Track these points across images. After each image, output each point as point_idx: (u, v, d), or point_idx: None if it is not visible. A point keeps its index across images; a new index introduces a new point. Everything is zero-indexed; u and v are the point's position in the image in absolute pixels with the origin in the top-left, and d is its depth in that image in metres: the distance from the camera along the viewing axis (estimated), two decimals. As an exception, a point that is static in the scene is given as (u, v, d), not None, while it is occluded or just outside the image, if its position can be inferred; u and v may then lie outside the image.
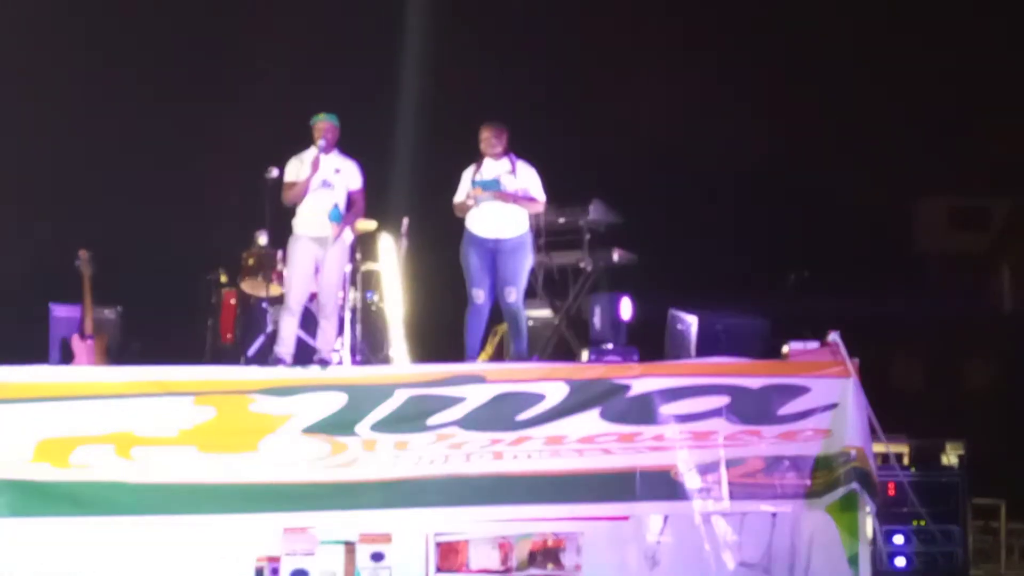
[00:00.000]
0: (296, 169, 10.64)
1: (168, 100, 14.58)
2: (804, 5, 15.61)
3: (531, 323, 11.96)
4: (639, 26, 15.55)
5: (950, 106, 16.45)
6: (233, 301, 12.13)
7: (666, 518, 9.94)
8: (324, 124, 10.64)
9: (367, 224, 11.74)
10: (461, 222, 10.94)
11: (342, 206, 10.62)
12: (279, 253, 11.23)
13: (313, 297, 10.78)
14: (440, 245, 11.73)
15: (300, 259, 10.56)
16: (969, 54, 16.05)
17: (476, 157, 10.99)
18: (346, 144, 10.90)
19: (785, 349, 10.37)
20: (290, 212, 10.67)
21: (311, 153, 10.61)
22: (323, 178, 10.57)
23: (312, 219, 10.56)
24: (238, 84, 14.73)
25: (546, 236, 12.64)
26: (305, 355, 10.65)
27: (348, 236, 10.76)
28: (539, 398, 9.92)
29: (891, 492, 10.29)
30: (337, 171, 10.64)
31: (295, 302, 10.55)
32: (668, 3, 15.71)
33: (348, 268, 11.26)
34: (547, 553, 9.89)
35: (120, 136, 14.42)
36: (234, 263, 12.10)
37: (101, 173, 14.32)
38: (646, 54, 15.47)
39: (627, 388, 9.98)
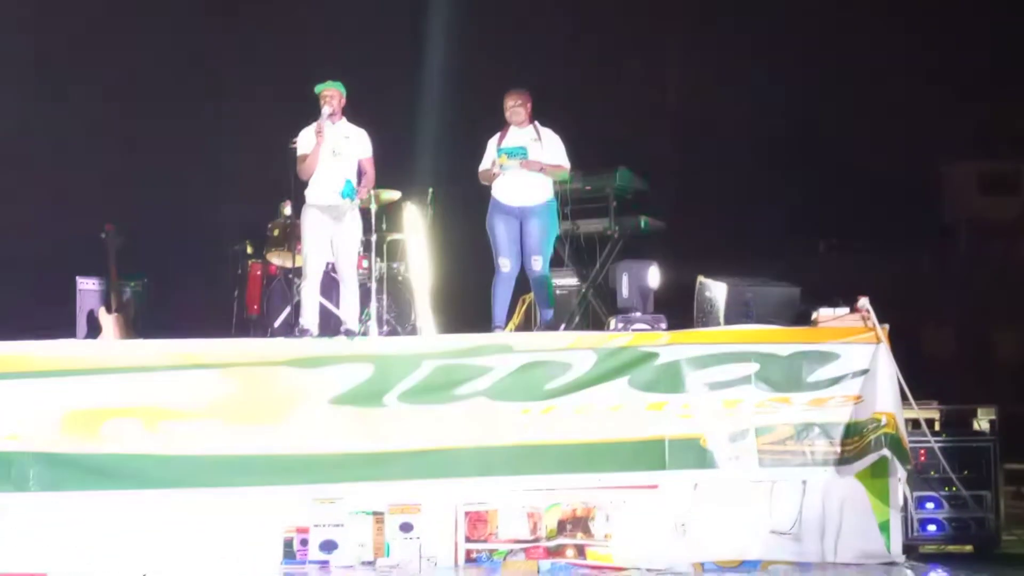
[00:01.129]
0: (306, 141, 10.63)
1: (193, 71, 14.57)
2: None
3: (558, 291, 11.94)
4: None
5: (979, 71, 16.32)
6: (259, 272, 12.16)
7: (696, 486, 9.91)
8: (329, 91, 10.62)
9: (391, 194, 11.73)
10: (487, 190, 10.93)
11: (353, 174, 10.59)
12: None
13: (332, 267, 10.77)
14: (466, 214, 11.72)
15: (313, 229, 10.57)
16: (998, 18, 15.90)
17: (501, 125, 10.96)
18: (371, 114, 10.88)
19: (814, 315, 10.31)
20: (307, 182, 10.65)
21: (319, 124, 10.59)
22: (332, 147, 10.55)
23: (323, 188, 10.55)
24: (264, 54, 14.71)
25: (572, 204, 12.59)
26: (331, 325, 10.65)
27: (355, 203, 10.70)
28: (567, 367, 9.90)
29: (922, 458, 10.22)
30: (347, 138, 10.62)
31: (312, 272, 10.56)
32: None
33: (371, 237, 11.25)
34: (576, 522, 9.88)
35: (146, 109, 14.42)
36: (260, 234, 12.12)
37: (127, 146, 14.32)
38: (673, 20, 15.38)
39: (655, 356, 9.95)
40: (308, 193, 10.64)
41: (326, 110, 10.57)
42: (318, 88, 10.63)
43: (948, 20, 15.77)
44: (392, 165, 11.20)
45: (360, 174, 10.67)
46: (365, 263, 11.24)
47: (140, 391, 9.68)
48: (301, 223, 10.71)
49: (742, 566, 9.74)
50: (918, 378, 10.21)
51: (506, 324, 11.03)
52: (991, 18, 15.86)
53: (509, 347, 9.99)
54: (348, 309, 10.61)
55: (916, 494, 10.17)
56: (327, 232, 10.57)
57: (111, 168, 14.05)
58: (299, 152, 10.65)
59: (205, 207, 13.96)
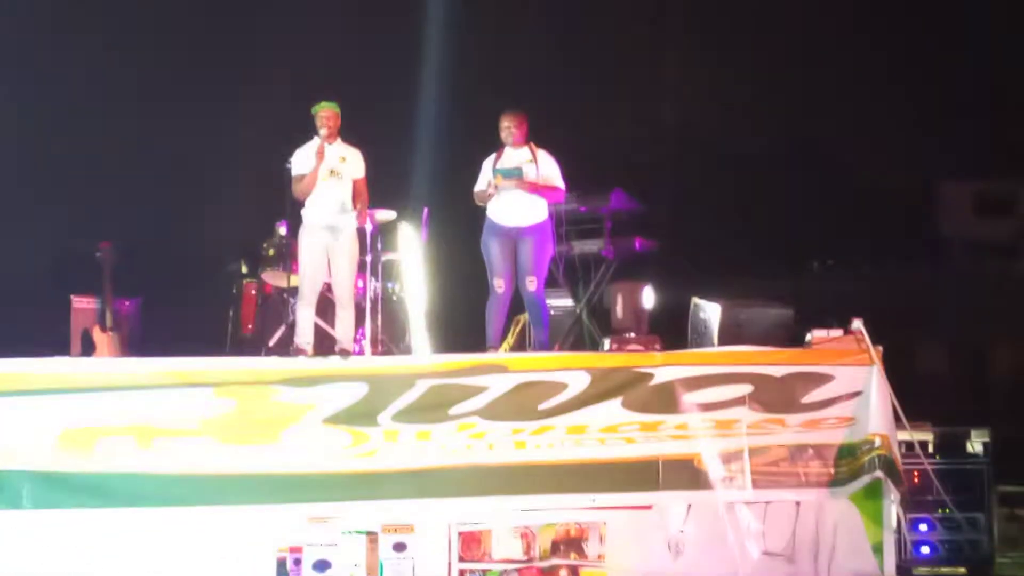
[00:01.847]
0: (302, 161, 10.64)
1: (188, 92, 14.58)
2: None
3: (552, 312, 11.95)
4: (660, 13, 15.48)
5: (975, 89, 16.35)
6: (254, 292, 12.19)
7: (689, 507, 9.92)
8: (326, 112, 10.62)
9: (387, 214, 11.75)
10: (482, 211, 10.95)
11: (349, 194, 10.60)
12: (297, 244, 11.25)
13: (329, 287, 10.79)
14: (461, 234, 11.74)
15: (311, 249, 10.57)
16: (994, 38, 15.94)
17: (497, 146, 10.99)
18: (367, 133, 10.90)
19: (809, 337, 10.34)
20: (303, 202, 10.66)
21: (315, 144, 10.60)
22: (330, 167, 10.56)
23: (320, 208, 10.56)
24: (258, 74, 14.72)
25: (567, 225, 12.63)
26: (326, 345, 10.67)
27: (354, 224, 10.71)
28: (561, 387, 9.92)
29: (916, 480, 10.25)
30: (343, 159, 10.64)
31: (309, 291, 10.56)
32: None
33: (366, 257, 11.27)
34: (570, 543, 9.89)
35: (141, 129, 14.42)
36: (254, 254, 12.13)
37: (122, 166, 14.33)
38: (668, 42, 15.41)
39: (650, 377, 9.98)
40: (305, 213, 10.64)
41: (323, 131, 10.58)
42: (315, 108, 10.64)
43: (944, 37, 15.81)
44: (388, 185, 11.21)
45: (355, 195, 10.67)
46: (360, 283, 11.24)
47: (134, 409, 9.69)
48: (299, 243, 10.71)
49: (735, 587, 9.77)
50: (912, 400, 10.23)
51: (500, 344, 11.04)
52: (988, 33, 15.88)
53: (503, 367, 10.00)
54: (344, 329, 10.62)
55: (910, 516, 10.20)
56: (325, 252, 10.58)
57: (107, 187, 14.04)
58: (295, 172, 10.65)
59: (200, 227, 13.97)
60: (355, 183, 10.67)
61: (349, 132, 10.77)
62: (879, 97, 15.93)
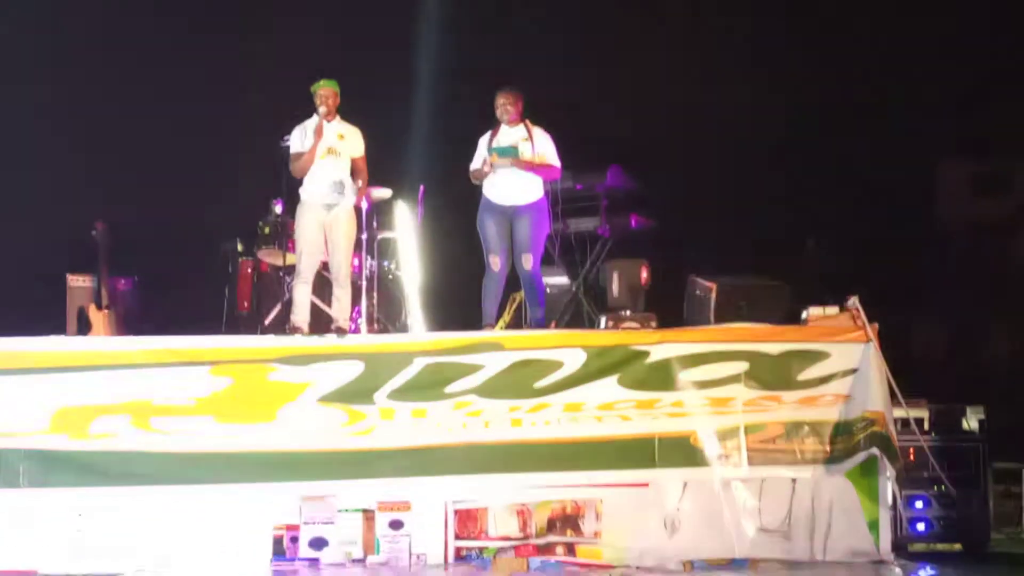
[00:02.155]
0: (301, 139, 10.64)
1: (183, 71, 14.55)
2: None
3: (549, 290, 11.96)
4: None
5: (975, 73, 16.32)
6: (250, 270, 12.18)
7: (685, 484, 9.93)
8: (325, 91, 10.61)
9: (383, 192, 11.75)
10: (478, 189, 10.94)
11: (347, 172, 10.59)
12: (293, 222, 11.24)
13: (325, 265, 10.78)
14: (457, 212, 11.73)
15: (308, 227, 10.56)
16: (991, 21, 15.92)
17: (493, 124, 10.98)
18: (363, 112, 10.89)
19: (805, 314, 10.35)
20: (300, 180, 10.65)
21: (314, 121, 10.60)
22: (328, 145, 10.56)
23: (319, 187, 10.55)
24: (253, 53, 14.69)
25: (563, 203, 12.62)
26: (322, 323, 10.67)
27: (350, 202, 10.69)
28: (557, 365, 9.93)
29: (911, 457, 10.27)
30: (342, 136, 10.63)
31: (307, 269, 10.57)
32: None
33: (362, 235, 11.27)
34: (566, 520, 9.91)
35: (136, 107, 14.40)
36: (250, 232, 12.13)
37: (117, 144, 14.31)
38: (666, 20, 15.36)
39: (646, 354, 9.98)
40: (303, 191, 10.64)
41: (322, 109, 10.58)
42: (314, 87, 10.63)
43: (942, 18, 15.79)
44: (383, 163, 11.20)
45: (354, 173, 10.66)
46: (356, 261, 11.24)
47: (130, 387, 9.70)
48: (296, 221, 10.72)
49: (731, 564, 9.78)
50: (907, 377, 10.24)
51: (496, 322, 11.04)
52: (988, 19, 15.86)
53: (500, 345, 10.01)
54: (340, 307, 10.61)
55: (905, 493, 10.22)
56: (322, 230, 10.57)
57: (102, 166, 14.03)
58: (293, 150, 10.65)
59: (195, 205, 13.94)
60: (354, 161, 10.67)
61: (346, 110, 10.76)
62: (880, 79, 15.90)
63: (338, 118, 10.68)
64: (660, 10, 15.20)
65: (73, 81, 14.32)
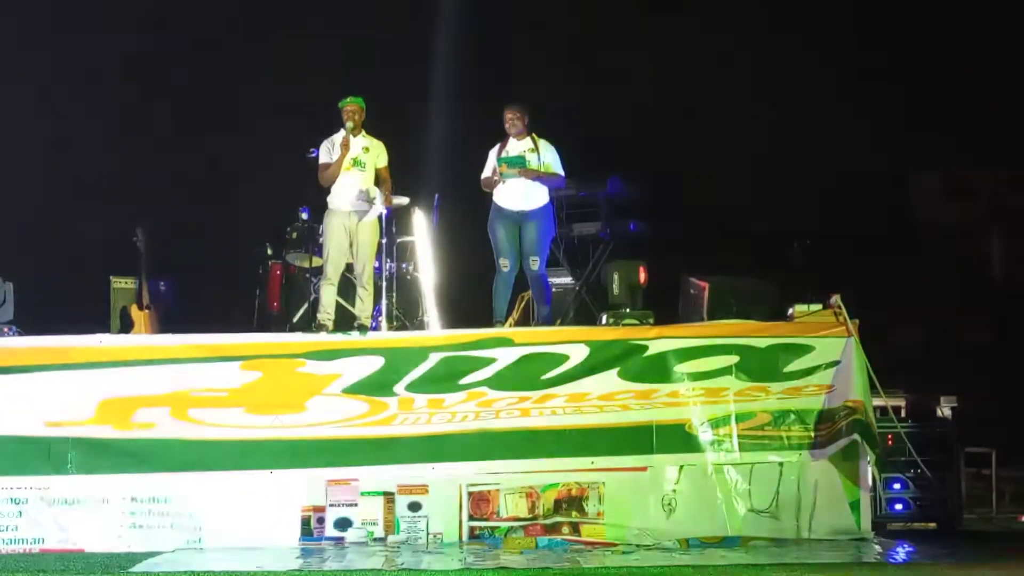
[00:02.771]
0: (328, 152, 10.65)
1: (220, 85, 14.57)
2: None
3: (554, 289, 11.94)
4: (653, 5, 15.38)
5: (953, 83, 16.29)
6: (279, 272, 12.16)
7: (681, 468, 9.93)
8: (351, 107, 10.64)
9: (401, 200, 11.74)
10: (488, 196, 10.94)
11: (371, 182, 10.61)
12: (319, 227, 11.25)
13: (350, 267, 10.79)
14: (469, 218, 11.73)
15: (335, 232, 10.57)
16: (967, 29, 15.87)
17: (501, 136, 10.98)
18: (383, 127, 10.90)
19: (790, 311, 10.34)
20: (327, 189, 10.67)
21: (341, 135, 10.60)
22: (353, 157, 10.57)
23: (345, 195, 10.57)
24: (283, 71, 14.74)
25: (567, 208, 12.60)
26: (345, 321, 10.67)
27: (379, 210, 10.70)
28: (563, 359, 9.93)
29: (890, 442, 10.25)
30: (367, 149, 10.65)
31: (333, 272, 10.58)
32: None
33: (382, 240, 11.27)
34: (571, 501, 9.89)
35: (176, 124, 14.44)
36: (279, 237, 12.13)
37: (159, 157, 14.35)
38: (663, 34, 15.32)
39: (644, 348, 9.99)
40: (330, 200, 10.66)
41: (349, 124, 10.59)
42: (341, 103, 10.65)
43: (918, 28, 15.74)
44: (402, 173, 11.19)
45: (378, 182, 10.69)
46: (377, 264, 11.24)
47: (169, 381, 9.72)
48: (324, 228, 10.74)
49: (724, 542, 9.78)
50: (886, 369, 10.23)
51: (506, 319, 11.03)
52: (960, 28, 15.81)
53: (509, 340, 10.01)
54: (363, 306, 10.63)
55: (884, 475, 10.21)
56: (347, 236, 10.58)
57: (143, 177, 14.08)
58: (321, 161, 10.67)
59: (229, 212, 13.97)
60: (378, 171, 10.70)
61: (369, 126, 10.79)
62: (859, 87, 15.87)
63: (364, 132, 10.70)
64: (657, 27, 15.18)
65: (118, 94, 14.36)
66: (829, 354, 10.01)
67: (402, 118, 13.82)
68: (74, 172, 13.99)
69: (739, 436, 9.97)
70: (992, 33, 15.56)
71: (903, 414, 10.64)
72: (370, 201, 10.53)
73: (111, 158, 14.18)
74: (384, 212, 11.06)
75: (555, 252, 12.24)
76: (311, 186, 10.93)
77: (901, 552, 9.50)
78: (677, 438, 9.96)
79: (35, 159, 14.04)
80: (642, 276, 11.60)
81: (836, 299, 10.16)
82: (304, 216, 11.99)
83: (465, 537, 9.82)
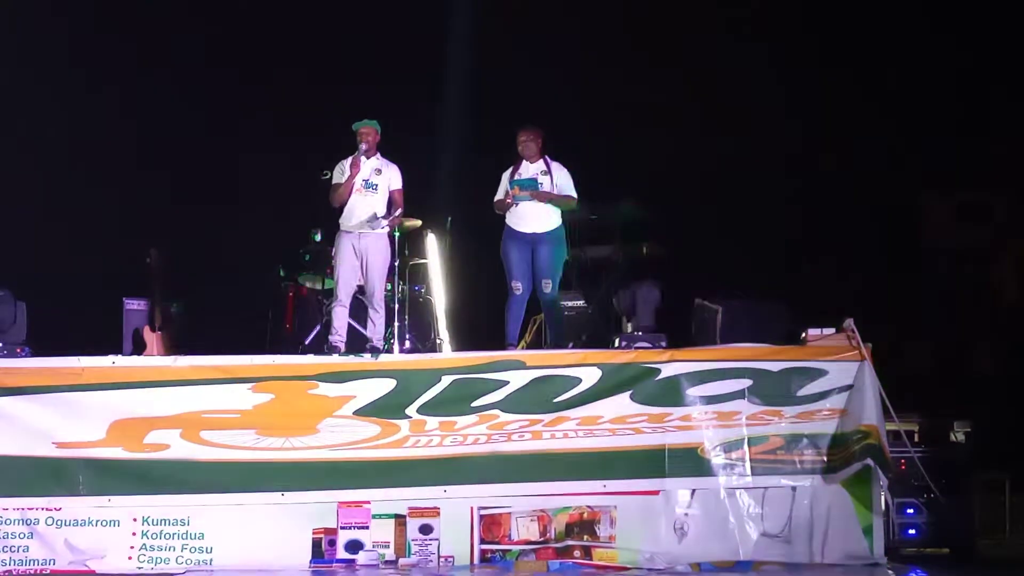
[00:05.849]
0: (341, 172, 10.69)
1: (232, 107, 14.61)
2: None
3: (566, 312, 11.92)
4: (661, 28, 15.38)
5: (962, 105, 16.26)
6: (291, 294, 12.16)
7: (693, 492, 9.90)
8: (365, 129, 10.69)
9: (413, 222, 11.75)
10: (501, 219, 10.95)
11: (383, 205, 10.62)
12: (332, 249, 11.25)
13: (361, 289, 10.80)
14: (482, 241, 11.73)
15: (346, 254, 10.61)
16: (977, 53, 15.84)
17: (514, 159, 10.98)
18: (396, 149, 10.92)
19: (803, 335, 10.31)
20: (340, 210, 10.68)
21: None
22: (365, 178, 10.60)
23: (356, 217, 10.59)
24: (299, 90, 14.78)
25: (580, 231, 12.59)
26: (357, 343, 10.66)
27: (385, 232, 10.72)
28: (575, 381, 9.91)
29: (903, 467, 10.20)
30: (379, 172, 10.67)
31: (344, 294, 10.60)
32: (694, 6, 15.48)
33: (394, 262, 11.26)
34: (583, 525, 9.86)
35: (189, 145, 14.47)
36: (292, 259, 12.13)
37: (170, 179, 14.38)
38: (676, 55, 15.31)
39: (656, 372, 9.96)
40: (342, 221, 10.69)
41: (362, 146, 10.63)
42: (356, 125, 10.70)
43: (930, 53, 15.73)
44: (414, 196, 11.20)
45: (391, 204, 10.70)
46: (389, 286, 11.24)
47: (180, 402, 9.72)
48: (335, 249, 10.76)
49: (736, 566, 9.75)
50: (899, 393, 10.19)
51: (518, 342, 11.02)
52: (972, 50, 15.79)
53: (521, 363, 10.00)
54: (375, 328, 10.64)
55: (897, 500, 10.17)
56: (358, 257, 10.60)
57: (155, 199, 14.11)
58: (334, 182, 10.69)
59: (241, 234, 13.99)
60: (392, 193, 10.73)
61: (383, 148, 10.81)
62: (871, 110, 15.84)
63: (378, 155, 10.73)
64: (669, 50, 15.18)
65: (131, 114, 14.39)
66: (842, 378, 9.97)
67: (415, 141, 13.83)
68: (89, 194, 14.00)
69: (752, 460, 9.94)
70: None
71: (916, 439, 10.61)
72: (375, 224, 10.54)
73: (125, 180, 14.20)
74: (397, 235, 11.06)
75: (568, 275, 12.21)
76: (324, 207, 10.94)
77: (914, 578, 9.48)
78: (690, 462, 9.92)
79: (50, 181, 14.07)
80: (655, 299, 11.57)
81: (850, 323, 10.13)
82: (317, 238, 12.00)
83: (476, 560, 9.79)
